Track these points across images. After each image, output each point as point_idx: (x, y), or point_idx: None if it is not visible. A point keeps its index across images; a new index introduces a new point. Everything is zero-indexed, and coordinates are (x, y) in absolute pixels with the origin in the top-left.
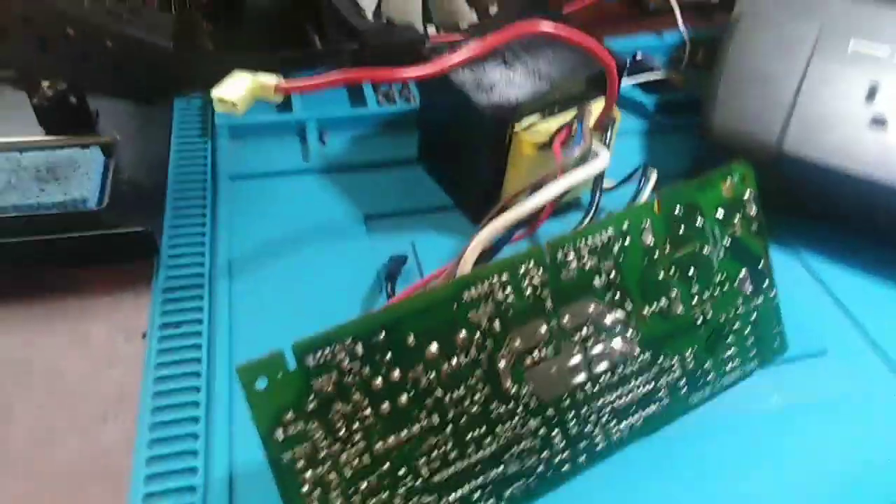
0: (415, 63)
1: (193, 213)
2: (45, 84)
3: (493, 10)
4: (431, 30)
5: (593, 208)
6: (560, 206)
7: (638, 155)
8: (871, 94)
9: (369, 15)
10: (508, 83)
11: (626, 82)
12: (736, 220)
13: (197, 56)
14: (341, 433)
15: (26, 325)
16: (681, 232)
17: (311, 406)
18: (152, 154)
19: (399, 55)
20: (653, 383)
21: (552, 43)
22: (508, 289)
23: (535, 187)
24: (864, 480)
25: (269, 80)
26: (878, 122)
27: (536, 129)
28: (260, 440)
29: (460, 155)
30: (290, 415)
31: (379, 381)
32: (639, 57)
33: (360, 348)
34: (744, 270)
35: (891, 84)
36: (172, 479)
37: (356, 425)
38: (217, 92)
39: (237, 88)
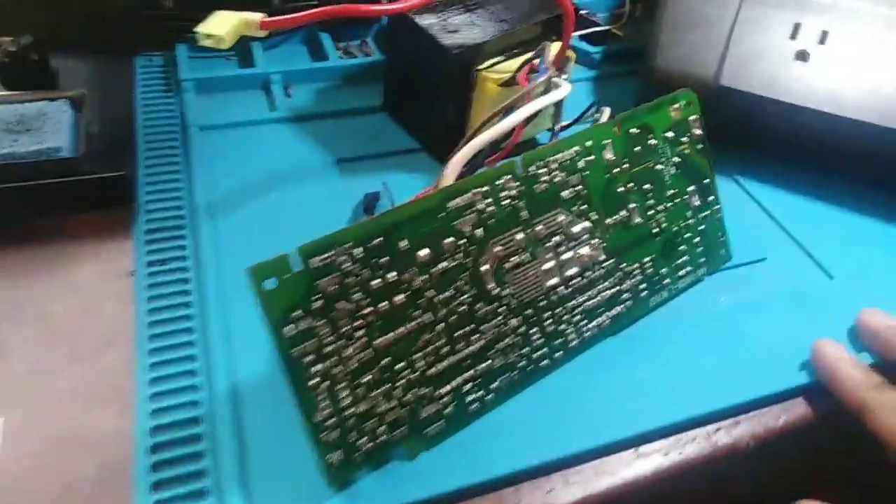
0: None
1: (167, 161)
2: (7, 40)
3: None
4: None
5: (554, 137)
6: (521, 146)
7: (587, 100)
8: (795, 31)
9: None
10: (471, 26)
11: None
12: (683, 140)
13: (155, 15)
14: (345, 329)
15: (14, 269)
16: (637, 150)
17: (317, 304)
18: (119, 108)
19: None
20: (617, 287)
21: None
22: (489, 199)
23: (506, 112)
24: (800, 358)
25: (254, 15)
26: (802, 56)
27: (499, 68)
28: (268, 338)
29: (426, 97)
30: (297, 312)
31: (377, 281)
32: (583, 12)
33: (359, 251)
34: (692, 185)
35: (812, 22)
36: (176, 396)
37: (358, 322)
38: (203, 27)
39: (223, 23)
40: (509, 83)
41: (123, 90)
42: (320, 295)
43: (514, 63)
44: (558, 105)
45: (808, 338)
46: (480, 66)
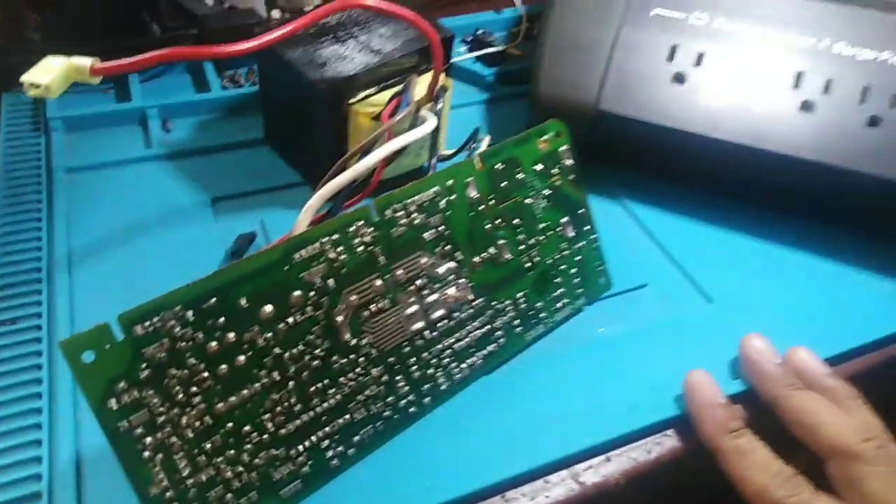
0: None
1: (27, 209)
2: None
3: None
4: (276, 14)
5: (430, 173)
6: (403, 176)
7: (479, 123)
8: (672, 54)
9: (208, 0)
10: (341, 58)
11: (467, 57)
12: (554, 172)
13: (23, 48)
14: (179, 397)
15: None
16: (503, 185)
17: (145, 374)
18: None
19: (239, 39)
20: (489, 325)
21: (384, 19)
22: (340, 248)
23: (364, 152)
24: (674, 389)
25: (84, 60)
26: (678, 78)
27: (371, 101)
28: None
29: (302, 131)
30: (122, 384)
31: (214, 344)
32: (479, 32)
33: (190, 315)
34: (565, 217)
35: (687, 45)
36: (17, 470)
37: (194, 389)
38: (26, 76)
39: (49, 72)
40: (380, 117)
41: None
42: (147, 364)
43: (388, 95)
44: (434, 137)
45: (685, 366)
46: (352, 100)
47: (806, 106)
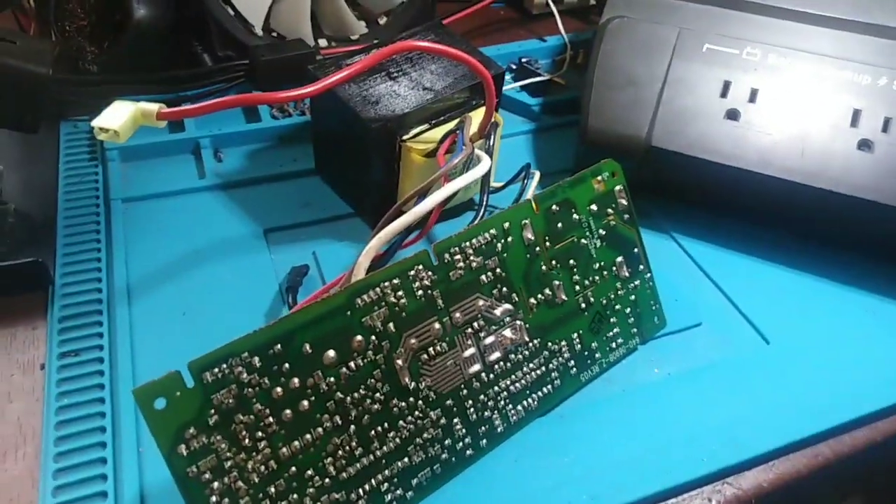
0: (302, 78)
1: (86, 239)
2: None
3: (383, 20)
4: (323, 42)
5: (482, 209)
6: (455, 209)
7: (525, 155)
8: (725, 90)
9: (258, 30)
10: (394, 96)
11: (513, 86)
12: (609, 212)
13: (81, 80)
14: (245, 442)
15: None
16: (559, 227)
17: (213, 420)
18: (40, 182)
19: (289, 70)
20: (544, 367)
21: (434, 57)
22: (400, 292)
23: (422, 193)
24: (738, 433)
25: (151, 106)
26: (732, 115)
27: (424, 138)
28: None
29: (354, 165)
30: (191, 430)
31: (279, 389)
32: (524, 61)
33: (256, 361)
34: (620, 257)
35: (741, 80)
36: None
37: (259, 434)
38: (97, 121)
39: (118, 116)
40: (434, 154)
41: (47, 160)
42: (216, 410)
43: (440, 132)
44: (485, 174)
45: (742, 410)
46: (405, 137)
47: (864, 144)
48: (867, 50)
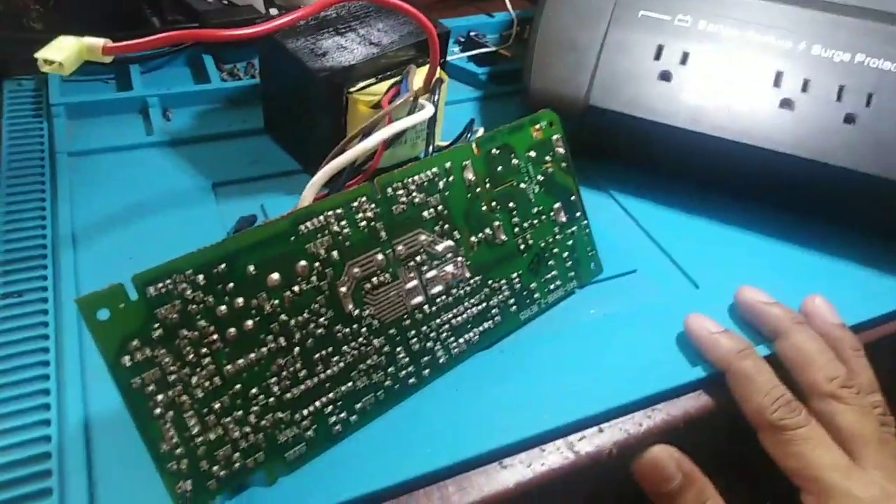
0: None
1: (30, 189)
2: None
3: None
4: (274, 11)
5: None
6: (400, 165)
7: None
8: (658, 53)
9: None
10: (341, 50)
11: (461, 56)
12: (547, 160)
13: (25, 38)
14: (190, 357)
15: None
16: (498, 170)
17: (157, 334)
18: None
19: None
20: (485, 303)
21: (383, 14)
22: (343, 222)
23: (365, 134)
24: (662, 365)
25: (96, 41)
26: (665, 76)
27: (371, 90)
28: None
29: (302, 119)
30: (135, 342)
31: (223, 308)
32: (472, 34)
33: (201, 279)
34: (558, 203)
35: (673, 44)
36: (27, 432)
37: (204, 350)
38: (42, 53)
39: (63, 49)
40: (379, 105)
41: None
42: (160, 324)
43: (386, 85)
44: (431, 126)
45: (672, 346)
46: (352, 89)
47: (786, 103)
48: (789, 18)
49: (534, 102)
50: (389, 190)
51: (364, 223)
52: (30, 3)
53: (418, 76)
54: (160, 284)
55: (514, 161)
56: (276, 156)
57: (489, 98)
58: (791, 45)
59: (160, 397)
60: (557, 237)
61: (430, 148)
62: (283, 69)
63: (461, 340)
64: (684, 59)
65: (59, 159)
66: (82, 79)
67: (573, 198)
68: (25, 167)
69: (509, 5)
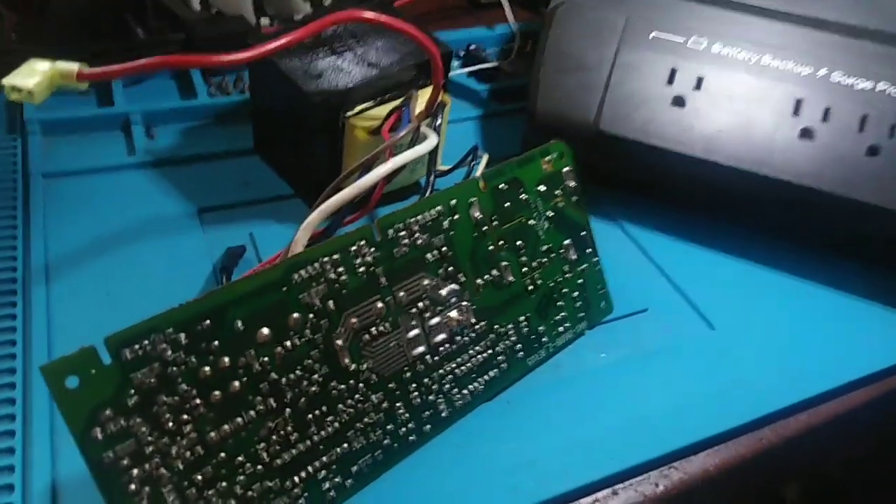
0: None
1: (1, 216)
2: None
3: (328, 1)
4: (265, 21)
5: (428, 190)
6: (400, 192)
7: (473, 139)
8: (672, 77)
9: (196, 5)
10: (337, 71)
11: (460, 72)
12: (557, 193)
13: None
14: (169, 426)
15: None
16: (506, 206)
17: (133, 401)
18: None
19: (228, 47)
20: (491, 350)
21: (382, 32)
22: (341, 268)
23: (365, 168)
24: (684, 417)
25: (70, 65)
26: (678, 101)
27: (368, 115)
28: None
29: (295, 143)
30: (108, 412)
31: (207, 369)
32: (472, 48)
33: (183, 337)
34: (568, 239)
35: (687, 68)
36: None
37: (185, 416)
38: (9, 79)
39: (32, 75)
40: (378, 131)
41: None
42: (136, 390)
43: (385, 109)
44: (433, 152)
45: (689, 394)
46: (349, 113)
47: (805, 133)
48: (808, 42)
49: (539, 125)
50: (391, 232)
51: (363, 269)
52: (3, 10)
53: (419, 101)
54: (137, 346)
55: (523, 196)
56: (267, 178)
57: (490, 116)
58: (811, 71)
59: (135, 472)
60: (567, 276)
61: (432, 177)
62: (274, 89)
63: (465, 391)
64: (699, 83)
65: (33, 181)
66: (59, 93)
67: (584, 233)
68: None
69: (511, 17)
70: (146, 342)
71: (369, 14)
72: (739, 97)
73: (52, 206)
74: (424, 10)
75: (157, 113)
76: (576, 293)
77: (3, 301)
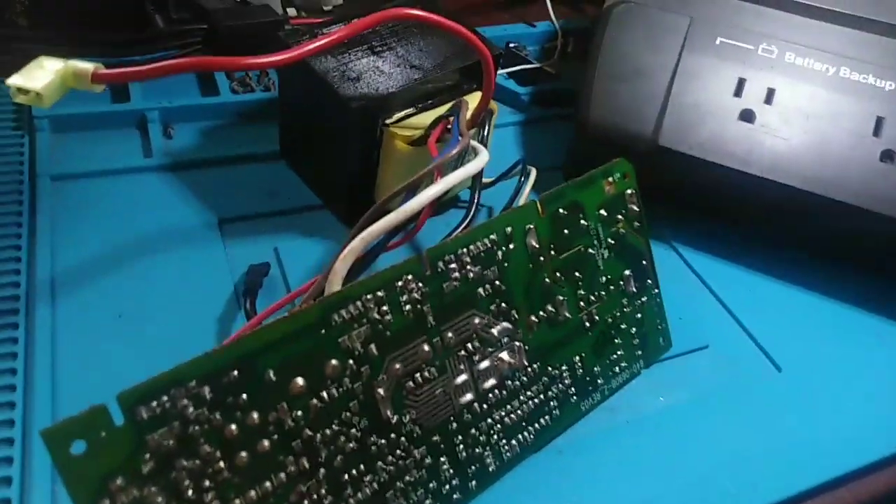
0: (269, 49)
1: (5, 223)
2: None
3: None
4: (292, 11)
5: (473, 208)
6: (438, 207)
7: (513, 147)
8: (739, 88)
9: None
10: (377, 73)
11: (500, 72)
12: (618, 218)
13: (5, 35)
14: (189, 494)
15: None
16: (565, 233)
17: (148, 468)
18: None
19: (254, 38)
20: (542, 395)
21: (423, 31)
22: (385, 306)
23: (411, 190)
24: (752, 473)
25: (85, 65)
26: (746, 116)
27: (409, 123)
28: None
29: (327, 150)
30: (118, 481)
31: (233, 427)
32: (511, 46)
33: (207, 391)
34: (628, 270)
35: (756, 79)
36: None
37: (207, 482)
38: (14, 79)
39: (42, 75)
40: (420, 142)
41: None
42: (152, 455)
43: (427, 117)
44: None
45: (755, 445)
46: (389, 121)
47: (887, 156)
48: (891, 54)
49: (591, 137)
50: (440, 265)
51: (409, 307)
52: None
53: (468, 111)
54: (155, 403)
55: (583, 222)
56: (293, 186)
57: (532, 122)
58: (894, 87)
59: None
60: (625, 310)
61: (478, 195)
62: (307, 91)
63: (514, 442)
64: (769, 97)
65: (41, 184)
66: None
67: (645, 262)
68: (0, 192)
69: (552, 14)
70: (165, 398)
71: (418, 11)
72: (814, 113)
73: (61, 212)
74: (461, 6)
75: (176, 110)
76: (634, 329)
77: (4, 323)
